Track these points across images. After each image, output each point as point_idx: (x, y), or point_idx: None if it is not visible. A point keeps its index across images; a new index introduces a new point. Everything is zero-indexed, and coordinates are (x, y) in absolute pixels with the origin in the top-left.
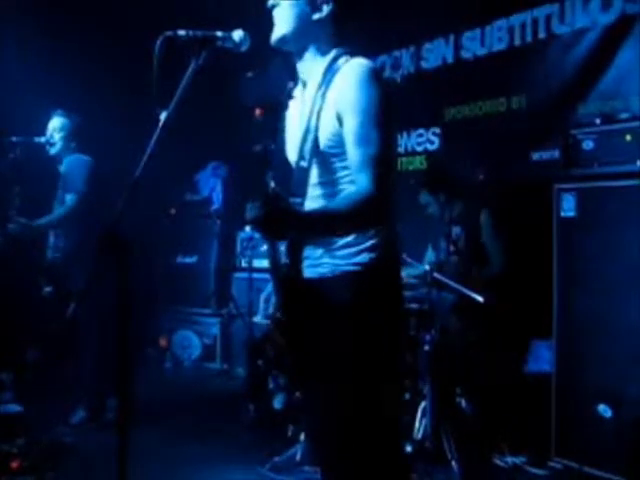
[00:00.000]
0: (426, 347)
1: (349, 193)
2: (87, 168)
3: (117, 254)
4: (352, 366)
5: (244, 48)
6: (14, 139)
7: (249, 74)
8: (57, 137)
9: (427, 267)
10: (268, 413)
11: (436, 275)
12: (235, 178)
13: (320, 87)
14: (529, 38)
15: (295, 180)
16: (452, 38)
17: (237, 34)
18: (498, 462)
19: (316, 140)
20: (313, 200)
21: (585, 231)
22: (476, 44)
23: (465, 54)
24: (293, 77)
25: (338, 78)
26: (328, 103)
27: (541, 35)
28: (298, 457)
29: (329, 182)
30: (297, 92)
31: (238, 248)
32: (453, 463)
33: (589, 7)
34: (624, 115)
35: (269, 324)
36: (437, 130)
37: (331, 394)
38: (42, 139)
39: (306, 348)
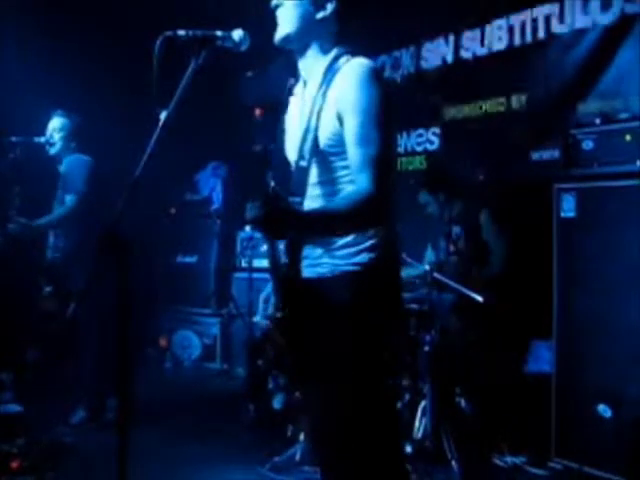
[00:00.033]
0: (426, 347)
1: (349, 193)
2: (87, 168)
3: (117, 254)
4: (351, 366)
5: (244, 48)
6: (14, 139)
7: (249, 74)
8: (57, 137)
9: (427, 267)
10: (268, 413)
11: (436, 275)
12: (235, 178)
13: (321, 86)
14: (529, 38)
15: (295, 179)
16: (452, 38)
17: (237, 33)
18: (498, 462)
19: (316, 139)
20: (313, 199)
21: (585, 231)
22: (476, 44)
23: (465, 54)
24: (294, 75)
25: (339, 78)
26: (328, 103)
27: (541, 35)
28: (298, 457)
29: (329, 181)
30: (297, 91)
31: (238, 248)
32: (453, 463)
33: (589, 7)
34: (624, 115)
35: (269, 324)
36: (437, 130)
37: (330, 394)
38: (42, 139)
39: (306, 348)
